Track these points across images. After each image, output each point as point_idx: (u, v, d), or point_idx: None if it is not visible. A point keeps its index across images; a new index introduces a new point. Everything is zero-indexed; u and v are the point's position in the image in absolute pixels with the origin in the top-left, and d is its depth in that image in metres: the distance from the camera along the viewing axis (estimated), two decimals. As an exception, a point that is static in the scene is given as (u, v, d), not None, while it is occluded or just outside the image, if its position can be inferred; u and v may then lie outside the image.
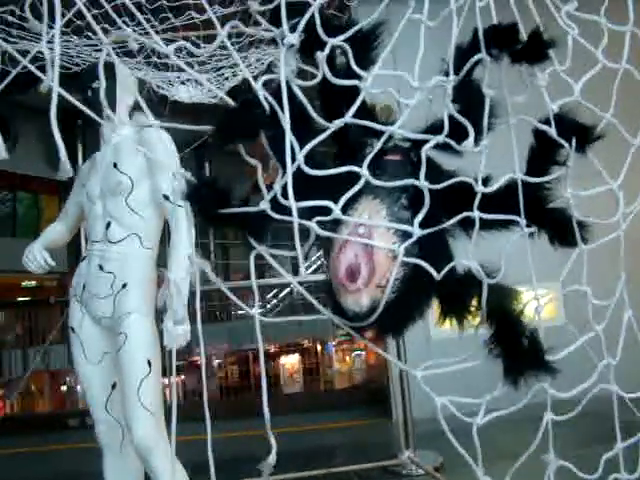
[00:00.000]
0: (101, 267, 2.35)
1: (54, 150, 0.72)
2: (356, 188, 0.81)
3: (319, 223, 0.82)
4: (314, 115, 0.82)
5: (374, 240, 0.81)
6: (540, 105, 0.88)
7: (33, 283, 12.60)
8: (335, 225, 0.86)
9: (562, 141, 0.83)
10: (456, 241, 0.87)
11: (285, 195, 0.81)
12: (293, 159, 0.81)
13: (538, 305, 0.86)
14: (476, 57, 0.81)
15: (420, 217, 0.81)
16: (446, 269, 0.82)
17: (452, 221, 0.83)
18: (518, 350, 0.84)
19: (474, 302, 0.84)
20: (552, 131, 0.84)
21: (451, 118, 0.85)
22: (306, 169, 0.80)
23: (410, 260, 0.80)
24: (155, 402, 2.26)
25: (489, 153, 0.87)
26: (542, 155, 0.86)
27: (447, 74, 0.83)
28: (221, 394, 8.09)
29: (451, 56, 0.83)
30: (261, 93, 0.81)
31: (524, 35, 0.83)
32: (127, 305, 2.26)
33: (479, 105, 0.83)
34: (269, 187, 0.84)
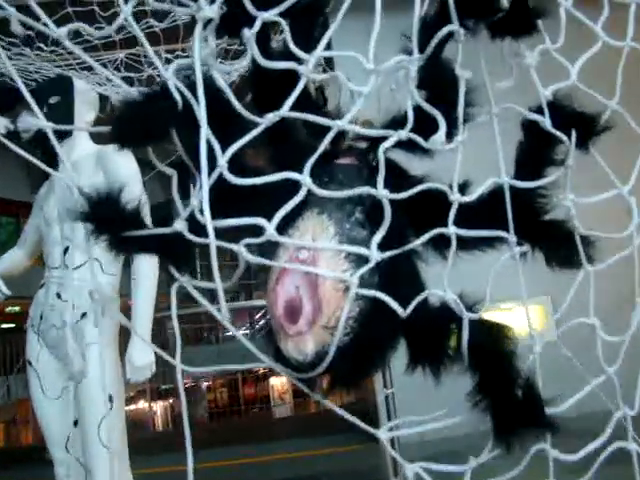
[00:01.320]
0: (59, 295, 2.23)
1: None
2: (296, 200, 0.62)
3: (250, 247, 0.64)
4: (238, 107, 0.63)
5: (319, 267, 0.62)
6: (528, 91, 0.70)
7: (17, 309, 12.31)
8: (271, 249, 0.67)
9: (559, 134, 0.65)
10: (428, 266, 0.68)
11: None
12: (213, 165, 0.62)
13: (532, 334, 0.67)
14: (446, 29, 0.63)
15: (379, 236, 0.63)
16: (414, 302, 0.63)
17: (421, 240, 0.64)
18: (511, 403, 0.65)
19: (452, 343, 0.65)
20: (546, 121, 0.65)
21: (417, 109, 0.67)
22: (229, 177, 0.62)
23: (367, 292, 0.62)
24: (118, 442, 2.13)
25: (468, 153, 0.69)
26: (534, 153, 0.68)
27: (410, 52, 0.65)
28: (210, 418, 7.84)
29: (415, 29, 0.65)
30: (171, 81, 0.63)
31: (506, 2, 0.65)
32: (87, 336, 2.13)
33: (451, 91, 0.65)
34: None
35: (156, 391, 7.42)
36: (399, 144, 0.69)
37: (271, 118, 0.64)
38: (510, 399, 0.65)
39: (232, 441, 5.97)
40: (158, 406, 7.67)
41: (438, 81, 0.65)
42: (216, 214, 0.63)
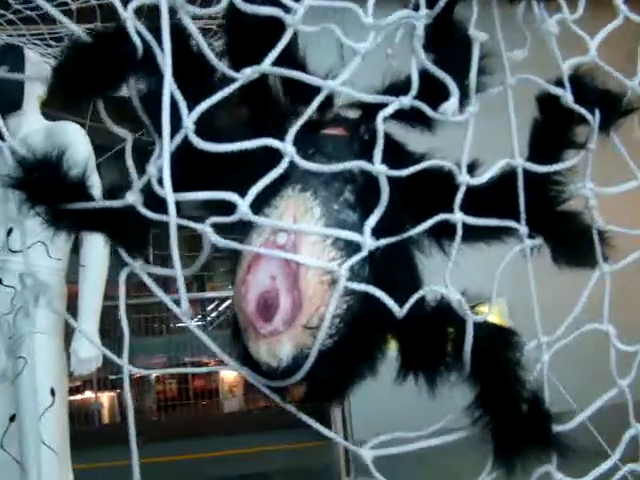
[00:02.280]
0: (0, 280, 2.08)
1: None
2: (276, 173, 0.52)
3: (218, 227, 0.53)
4: (211, 57, 0.52)
5: (301, 255, 0.52)
6: (543, 65, 0.61)
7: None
8: (242, 231, 0.57)
9: (584, 111, 0.56)
10: (425, 258, 0.58)
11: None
12: (177, 127, 0.51)
13: (543, 354, 0.58)
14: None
15: (373, 220, 0.53)
16: (412, 300, 0.53)
17: (423, 227, 0.54)
18: (515, 419, 0.56)
19: (450, 349, 0.56)
20: (567, 96, 0.56)
21: (422, 74, 0.58)
22: (196, 141, 0.50)
23: (358, 287, 0.52)
24: (59, 438, 1.99)
25: (475, 131, 0.59)
26: (551, 133, 0.59)
27: (416, 7, 0.55)
28: (159, 410, 7.64)
29: (423, -20, 0.55)
30: (130, 22, 0.51)
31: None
32: (27, 325, 1.99)
33: (463, 55, 0.56)
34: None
35: (103, 381, 7.16)
36: (397, 115, 0.59)
37: (249, 74, 0.53)
38: (514, 414, 0.56)
39: (180, 435, 5.80)
40: (105, 397, 7.40)
41: (448, 43, 0.56)
42: (178, 186, 0.52)
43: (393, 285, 0.54)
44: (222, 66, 0.52)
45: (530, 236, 0.58)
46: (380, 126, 0.53)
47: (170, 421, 7.13)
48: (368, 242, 0.52)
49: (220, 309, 8.77)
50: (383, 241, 0.53)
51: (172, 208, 0.48)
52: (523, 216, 0.57)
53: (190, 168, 0.53)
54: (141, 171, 0.56)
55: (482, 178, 0.55)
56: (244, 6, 0.53)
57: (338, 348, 0.53)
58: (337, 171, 0.54)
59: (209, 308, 8.79)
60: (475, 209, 0.57)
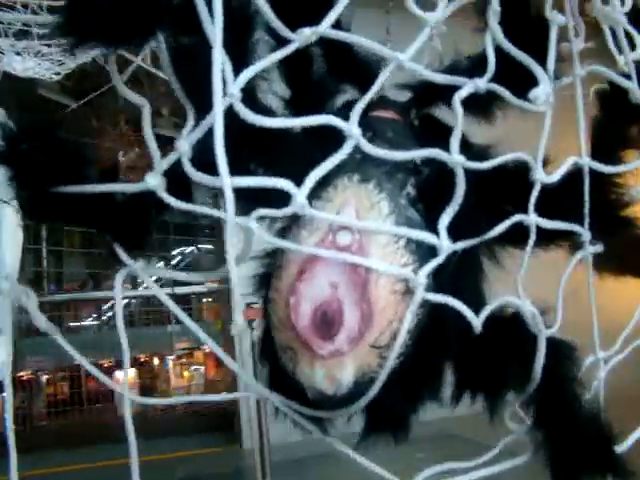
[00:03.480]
0: None
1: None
2: (338, 157, 0.42)
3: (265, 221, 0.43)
4: (268, 13, 0.42)
5: (371, 258, 0.43)
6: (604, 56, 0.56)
7: None
8: (289, 226, 0.47)
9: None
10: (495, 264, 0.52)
11: (201, 163, 0.41)
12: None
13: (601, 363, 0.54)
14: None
15: (447, 219, 0.45)
16: (486, 312, 0.46)
17: (500, 228, 0.47)
18: (576, 441, 0.51)
19: (515, 366, 0.50)
20: (637, 91, 0.52)
21: (478, 57, 0.51)
22: (244, 112, 0.40)
23: (436, 298, 0.44)
24: None
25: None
26: (614, 131, 0.54)
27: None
28: (48, 415, 7.09)
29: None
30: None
31: None
32: None
33: (537, 38, 0.49)
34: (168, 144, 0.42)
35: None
36: (447, 102, 0.52)
37: (308, 34, 0.43)
38: (575, 436, 0.51)
39: (72, 441, 5.37)
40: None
41: (521, 23, 0.49)
42: (206, 170, 0.42)
43: (463, 294, 0.46)
44: (279, 23, 0.42)
45: (591, 242, 0.54)
46: (459, 110, 0.45)
47: (60, 426, 6.63)
48: (445, 245, 0.44)
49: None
50: (460, 244, 0.45)
51: (229, 195, 0.37)
52: (587, 220, 0.52)
53: (229, 147, 0.43)
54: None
55: (554, 176, 0.49)
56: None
57: (404, 369, 0.44)
58: (401, 161, 0.46)
59: (104, 307, 8.29)
60: (540, 209, 0.51)
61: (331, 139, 0.46)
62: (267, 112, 0.46)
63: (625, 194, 0.55)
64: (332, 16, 0.44)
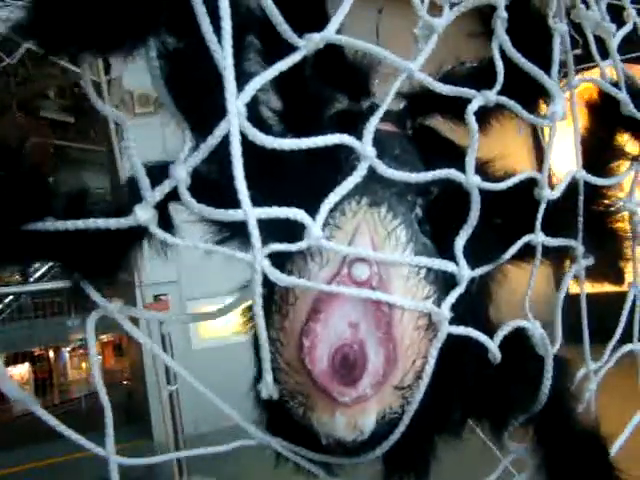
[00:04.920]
0: None
1: None
2: (353, 182, 0.38)
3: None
4: (277, 16, 0.36)
5: (394, 293, 0.39)
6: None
7: None
8: (289, 256, 0.41)
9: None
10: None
11: (201, 191, 0.34)
12: (214, 112, 0.34)
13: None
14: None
15: (461, 243, 0.42)
16: (499, 337, 0.44)
17: (511, 251, 0.45)
18: (573, 457, 0.51)
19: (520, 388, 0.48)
20: (629, 103, 0.51)
21: (487, 64, 0.48)
22: (252, 133, 0.34)
23: (459, 331, 0.40)
24: None
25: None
26: (604, 141, 0.54)
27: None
28: None
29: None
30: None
31: None
32: None
33: (541, 48, 0.47)
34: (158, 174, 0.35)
35: None
36: (443, 110, 0.49)
37: (317, 40, 0.38)
38: (573, 451, 0.50)
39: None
40: None
41: (525, 32, 0.46)
42: (199, 196, 0.36)
43: (477, 323, 0.44)
44: (286, 27, 0.36)
45: (585, 255, 0.53)
46: (474, 126, 0.42)
47: None
48: (465, 273, 0.41)
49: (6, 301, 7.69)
50: (479, 271, 0.42)
51: (255, 233, 0.31)
52: (580, 234, 0.51)
53: (223, 172, 0.37)
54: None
55: (556, 192, 0.48)
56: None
57: (425, 409, 0.41)
58: (413, 181, 0.42)
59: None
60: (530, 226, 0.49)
61: (329, 157, 0.42)
62: (269, 130, 0.40)
63: (612, 205, 0.55)
64: (339, 18, 0.39)
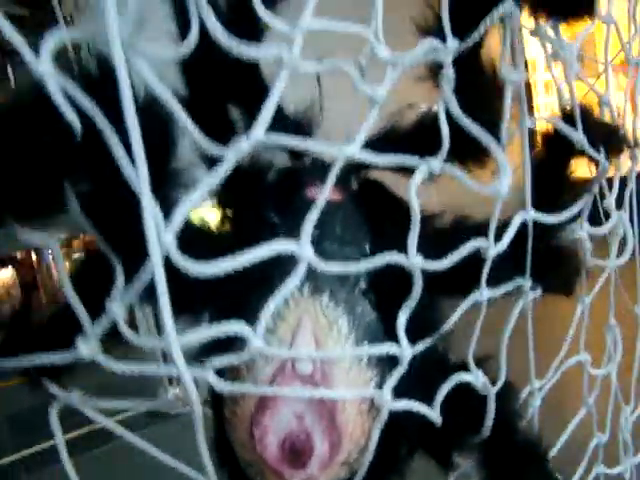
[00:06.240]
0: None
1: None
2: (289, 287, 0.38)
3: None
4: (191, 128, 0.34)
5: (337, 387, 0.41)
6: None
7: None
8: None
9: (597, 155, 0.51)
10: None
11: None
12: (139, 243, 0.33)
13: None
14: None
15: (404, 318, 0.43)
16: (443, 393, 0.46)
17: (454, 317, 0.46)
18: (515, 471, 0.56)
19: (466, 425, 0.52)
20: (579, 136, 0.50)
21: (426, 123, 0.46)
22: (182, 265, 0.34)
23: (401, 406, 0.43)
24: None
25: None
26: (556, 175, 0.53)
27: (440, 35, 0.42)
28: None
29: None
30: (52, 79, 0.30)
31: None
32: None
33: (491, 100, 0.45)
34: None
35: None
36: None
37: (245, 148, 0.36)
38: (520, 468, 0.55)
39: None
40: None
41: (473, 84, 0.44)
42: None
43: (420, 385, 0.46)
44: (205, 141, 0.34)
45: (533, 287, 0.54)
46: (415, 205, 0.41)
47: None
48: (407, 353, 0.43)
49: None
50: (420, 346, 0.44)
51: (186, 376, 0.32)
52: (528, 270, 0.52)
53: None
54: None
55: (502, 244, 0.48)
56: (226, 41, 0.34)
57: (370, 470, 0.45)
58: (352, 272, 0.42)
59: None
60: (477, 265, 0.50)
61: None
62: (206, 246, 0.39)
63: (561, 235, 0.55)
64: (264, 120, 0.37)
